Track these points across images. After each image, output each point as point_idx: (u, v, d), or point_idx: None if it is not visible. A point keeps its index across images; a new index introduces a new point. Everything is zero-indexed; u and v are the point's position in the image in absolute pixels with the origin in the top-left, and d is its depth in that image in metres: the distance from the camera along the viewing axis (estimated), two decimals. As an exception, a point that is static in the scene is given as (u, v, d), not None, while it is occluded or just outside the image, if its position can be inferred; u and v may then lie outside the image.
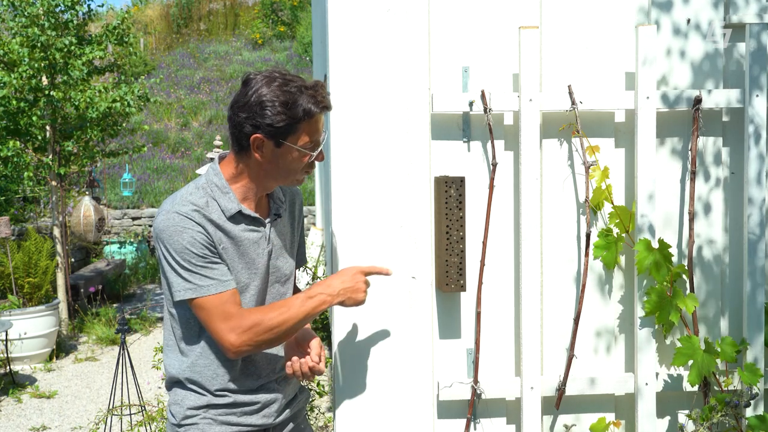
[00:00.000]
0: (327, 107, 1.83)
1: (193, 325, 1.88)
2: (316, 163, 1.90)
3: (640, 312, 2.44)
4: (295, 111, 1.77)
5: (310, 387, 3.55)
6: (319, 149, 1.87)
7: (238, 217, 1.86)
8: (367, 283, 1.95)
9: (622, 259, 2.50)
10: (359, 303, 1.92)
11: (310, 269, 4.66)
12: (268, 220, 1.92)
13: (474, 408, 2.46)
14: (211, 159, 6.96)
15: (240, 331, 1.78)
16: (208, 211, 1.83)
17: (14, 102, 6.87)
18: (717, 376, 2.46)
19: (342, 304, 1.91)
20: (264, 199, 1.96)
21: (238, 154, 1.86)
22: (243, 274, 1.88)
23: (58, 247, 7.45)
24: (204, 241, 1.80)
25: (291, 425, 2.05)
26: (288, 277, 2.02)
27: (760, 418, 2.42)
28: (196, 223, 1.79)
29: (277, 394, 1.96)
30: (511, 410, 2.50)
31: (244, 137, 1.81)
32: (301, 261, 2.12)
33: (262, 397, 1.93)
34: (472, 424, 2.47)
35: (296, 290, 2.11)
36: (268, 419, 1.95)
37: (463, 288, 2.36)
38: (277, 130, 1.78)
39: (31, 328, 6.52)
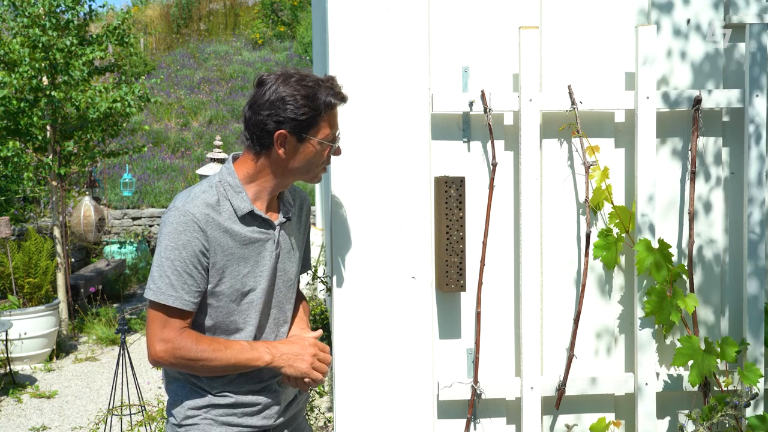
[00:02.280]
0: (344, 98, 1.87)
1: (193, 325, 1.88)
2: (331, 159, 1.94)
3: (640, 312, 2.44)
4: (317, 103, 1.80)
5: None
6: (338, 142, 1.91)
7: (248, 218, 1.86)
8: (321, 357, 1.92)
9: (622, 259, 2.50)
10: (301, 373, 1.89)
11: (310, 269, 4.67)
12: (278, 222, 1.93)
13: (474, 408, 2.46)
14: (211, 159, 6.98)
15: (168, 346, 1.80)
16: (219, 210, 1.83)
17: (15, 102, 6.87)
18: (717, 376, 2.46)
19: (281, 369, 1.89)
20: (275, 202, 1.96)
21: (258, 154, 1.86)
22: (249, 277, 1.88)
23: (58, 248, 7.45)
24: (198, 248, 1.80)
25: (291, 426, 2.05)
26: (294, 282, 2.02)
27: (760, 418, 2.42)
28: (199, 228, 1.79)
29: (278, 396, 1.96)
30: (511, 410, 2.50)
31: (266, 135, 1.82)
32: (305, 266, 2.13)
33: (263, 399, 1.93)
34: (472, 424, 2.47)
35: (298, 294, 2.11)
36: (268, 420, 1.94)
37: (463, 288, 2.36)
38: (301, 124, 1.80)
39: (31, 328, 6.52)
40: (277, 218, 1.94)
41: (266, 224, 1.90)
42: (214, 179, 1.89)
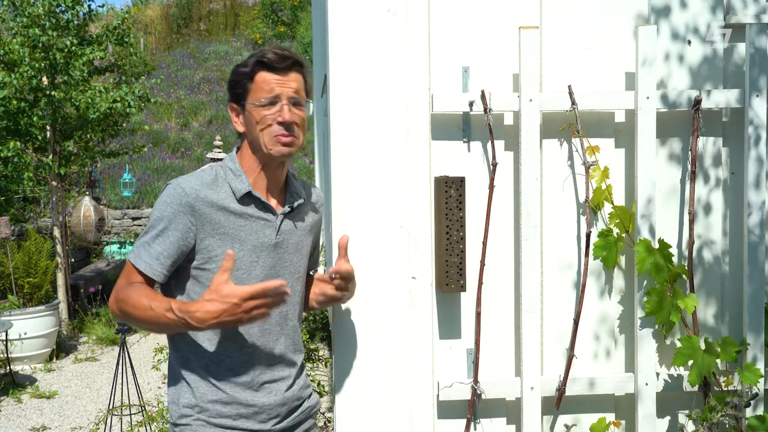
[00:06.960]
0: (271, 61, 1.87)
1: (191, 295, 1.88)
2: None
3: (640, 312, 2.44)
4: (247, 66, 1.90)
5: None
6: (276, 106, 1.87)
7: (246, 200, 1.89)
8: (251, 306, 1.71)
9: (622, 259, 2.50)
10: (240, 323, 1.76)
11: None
12: (281, 212, 1.94)
13: (474, 408, 2.46)
14: (212, 159, 6.98)
15: (116, 296, 1.86)
16: (216, 190, 1.87)
17: (14, 102, 6.87)
18: (717, 376, 2.46)
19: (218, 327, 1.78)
20: (282, 195, 1.99)
21: (240, 134, 1.99)
22: (244, 261, 1.87)
23: (58, 248, 7.45)
24: (182, 222, 1.83)
25: None
26: (302, 275, 2.03)
27: (760, 418, 2.42)
28: (187, 202, 1.83)
29: (278, 399, 1.93)
30: (511, 410, 2.50)
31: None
32: (312, 265, 2.14)
33: (260, 400, 1.90)
34: (472, 424, 2.47)
35: (308, 292, 2.12)
36: (266, 425, 1.91)
37: (463, 288, 2.36)
38: (236, 88, 1.91)
39: (31, 328, 6.52)
40: (282, 209, 1.96)
41: (265, 208, 1.92)
42: (217, 164, 1.97)
